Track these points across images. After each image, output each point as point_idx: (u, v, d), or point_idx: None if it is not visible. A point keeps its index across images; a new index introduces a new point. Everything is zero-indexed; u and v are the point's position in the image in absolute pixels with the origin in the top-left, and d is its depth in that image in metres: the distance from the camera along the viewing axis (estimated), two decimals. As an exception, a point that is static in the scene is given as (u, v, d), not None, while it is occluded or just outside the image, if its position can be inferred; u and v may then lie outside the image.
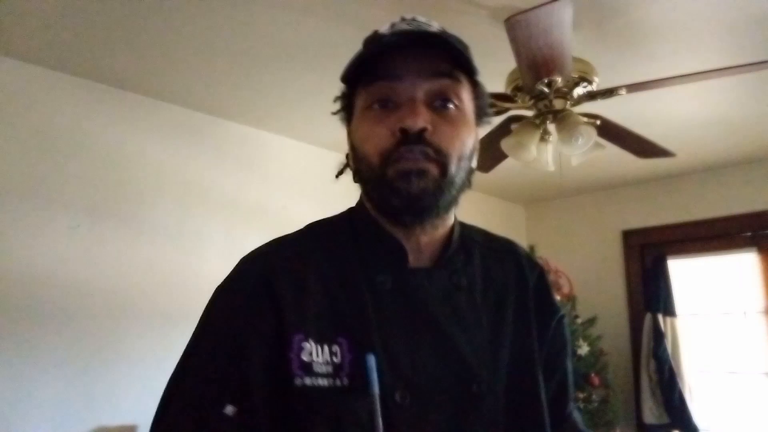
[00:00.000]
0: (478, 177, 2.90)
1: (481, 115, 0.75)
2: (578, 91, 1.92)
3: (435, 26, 0.73)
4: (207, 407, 0.63)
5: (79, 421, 2.10)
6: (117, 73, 2.26)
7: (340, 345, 0.66)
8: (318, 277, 0.70)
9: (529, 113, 1.99)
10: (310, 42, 2.02)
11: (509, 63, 1.74)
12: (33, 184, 2.12)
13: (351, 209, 0.80)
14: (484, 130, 0.80)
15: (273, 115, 2.67)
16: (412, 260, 0.72)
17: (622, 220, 3.81)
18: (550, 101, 1.89)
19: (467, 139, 0.71)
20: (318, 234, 0.78)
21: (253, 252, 0.75)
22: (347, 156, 0.77)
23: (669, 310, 3.49)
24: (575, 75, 1.87)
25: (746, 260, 3.37)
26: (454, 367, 0.68)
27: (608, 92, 1.90)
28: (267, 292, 0.68)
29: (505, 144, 2.03)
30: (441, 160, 0.67)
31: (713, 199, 3.47)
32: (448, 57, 0.69)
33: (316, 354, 0.65)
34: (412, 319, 0.69)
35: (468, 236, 0.79)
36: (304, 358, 0.65)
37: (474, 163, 0.75)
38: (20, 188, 2.09)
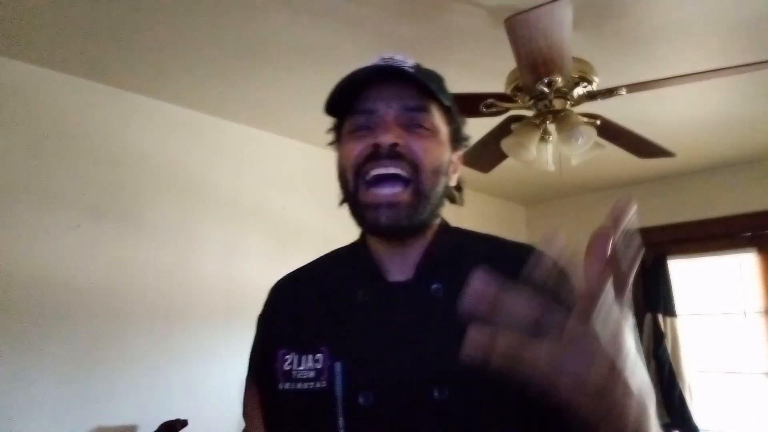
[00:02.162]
0: (478, 177, 2.90)
1: (457, 140, 0.83)
2: (578, 91, 1.92)
3: (410, 63, 0.79)
4: (245, 386, 0.88)
5: (79, 421, 2.10)
6: (117, 73, 2.26)
7: (322, 353, 0.75)
8: (309, 296, 0.84)
9: (529, 113, 1.99)
10: (310, 42, 2.02)
11: (509, 63, 1.74)
12: (33, 184, 2.12)
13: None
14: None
15: (273, 115, 2.67)
16: (395, 273, 0.79)
17: (622, 220, 3.81)
18: (550, 101, 1.89)
19: (441, 155, 0.78)
20: (326, 257, 0.91)
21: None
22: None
23: (669, 310, 3.49)
24: (575, 75, 1.87)
25: (746, 260, 3.37)
26: (418, 372, 0.70)
27: (608, 92, 1.90)
28: (268, 312, 0.89)
29: (505, 144, 2.03)
30: (414, 172, 0.74)
31: (713, 199, 3.47)
32: (418, 90, 0.77)
33: (297, 363, 0.77)
34: (385, 329, 0.75)
35: (464, 245, 0.82)
36: (285, 367, 0.78)
37: (453, 182, 0.82)
38: (20, 188, 2.09)
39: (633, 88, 1.88)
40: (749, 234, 3.37)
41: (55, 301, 2.11)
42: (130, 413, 2.22)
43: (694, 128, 2.81)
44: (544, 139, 2.00)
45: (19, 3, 1.78)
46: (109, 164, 2.32)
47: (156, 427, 2.16)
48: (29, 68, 2.15)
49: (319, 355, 0.75)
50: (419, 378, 0.70)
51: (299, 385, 0.75)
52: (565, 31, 1.54)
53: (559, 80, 1.77)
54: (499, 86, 1.96)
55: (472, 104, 1.93)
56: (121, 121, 2.38)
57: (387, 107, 0.77)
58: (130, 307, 2.29)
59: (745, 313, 3.36)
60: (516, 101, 1.95)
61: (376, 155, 0.75)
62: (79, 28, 1.93)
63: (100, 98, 2.33)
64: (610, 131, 2.10)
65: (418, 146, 0.75)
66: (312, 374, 0.75)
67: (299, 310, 0.83)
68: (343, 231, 3.35)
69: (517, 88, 1.91)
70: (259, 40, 2.01)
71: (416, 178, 0.74)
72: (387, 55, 0.81)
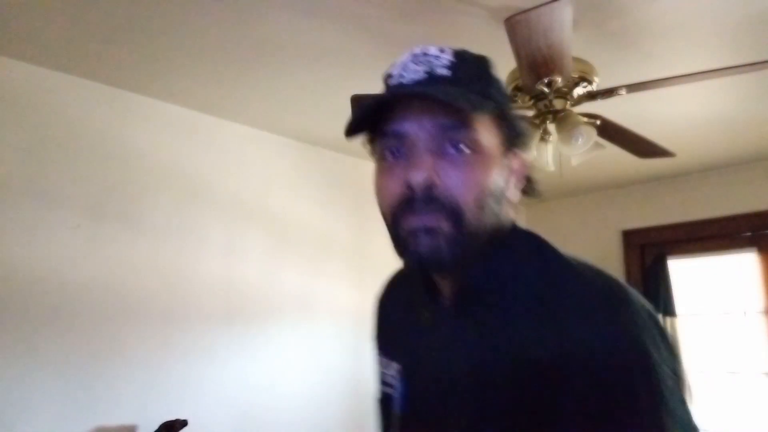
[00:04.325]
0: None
1: (511, 142, 0.72)
2: (578, 91, 1.92)
3: (445, 59, 0.69)
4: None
5: (79, 421, 2.10)
6: (117, 73, 2.26)
7: (398, 371, 0.79)
8: (393, 309, 0.88)
9: (529, 113, 1.99)
10: (310, 42, 2.02)
11: (509, 63, 1.74)
12: (33, 184, 2.12)
13: None
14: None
15: (273, 115, 2.67)
16: (446, 297, 0.74)
17: (622, 220, 3.81)
18: (550, 101, 1.89)
19: (486, 179, 0.67)
20: (402, 271, 0.91)
21: None
22: None
23: (669, 310, 3.49)
24: (575, 75, 1.87)
25: (746, 260, 3.37)
26: (444, 418, 0.71)
27: (608, 92, 1.90)
28: (374, 317, 0.93)
29: (505, 144, 2.03)
30: (453, 212, 0.65)
31: (713, 199, 3.47)
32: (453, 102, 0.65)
33: (387, 368, 0.82)
34: (429, 358, 0.74)
35: (519, 273, 0.70)
36: (381, 369, 0.83)
37: (513, 192, 0.74)
38: (20, 188, 2.09)
39: (633, 88, 1.88)
40: (749, 234, 3.37)
41: (54, 300, 2.11)
42: (130, 413, 2.22)
43: (694, 128, 2.81)
44: (544, 139, 2.00)
45: (19, 3, 1.78)
46: (109, 164, 2.32)
47: (156, 427, 2.16)
48: (29, 68, 2.15)
49: (395, 365, 0.80)
50: (443, 412, 0.71)
51: (386, 389, 0.81)
52: (565, 31, 1.54)
53: (559, 80, 1.77)
54: (499, 86, 1.96)
55: (472, 104, 1.92)
56: (121, 121, 2.38)
57: (418, 128, 0.66)
58: (130, 306, 2.29)
59: (745, 313, 3.36)
60: (516, 101, 1.95)
61: (410, 202, 0.66)
62: (79, 28, 1.93)
63: (100, 98, 2.33)
64: (610, 131, 2.10)
65: (456, 180, 0.65)
66: (394, 381, 0.79)
67: (387, 319, 0.89)
68: (343, 231, 3.37)
69: (517, 88, 1.91)
70: (260, 39, 2.01)
71: (458, 221, 0.66)
72: (418, 51, 0.70)
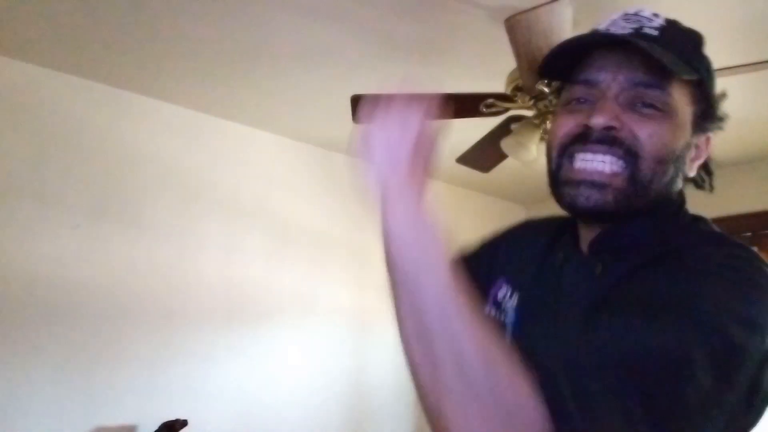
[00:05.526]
0: (478, 177, 2.88)
1: (706, 120, 0.69)
2: (578, 91, 1.91)
3: (656, 23, 0.68)
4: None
5: (79, 421, 2.10)
6: (117, 74, 2.26)
7: (515, 295, 0.75)
8: (531, 243, 0.80)
9: (529, 113, 1.99)
10: (310, 42, 2.02)
11: (509, 63, 1.74)
12: (33, 184, 2.12)
13: None
14: (717, 138, 0.72)
15: (273, 115, 2.67)
16: (585, 245, 0.71)
17: (622, 220, 3.81)
18: (550, 101, 1.89)
19: (672, 141, 0.64)
20: (551, 216, 0.84)
21: None
22: None
23: (669, 310, 3.48)
24: (575, 75, 1.86)
25: (746, 260, 3.37)
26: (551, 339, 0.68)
27: (608, 92, 1.90)
28: (508, 237, 0.85)
29: (505, 144, 2.03)
30: (630, 156, 0.63)
31: (713, 199, 3.45)
32: (655, 62, 0.63)
33: (504, 294, 0.76)
34: (547, 299, 0.71)
35: (665, 241, 0.68)
36: (500, 296, 0.76)
37: (693, 171, 0.71)
38: (20, 188, 2.09)
39: (633, 88, 1.88)
40: (749, 234, 3.37)
41: (55, 300, 2.11)
42: (130, 413, 2.22)
43: (694, 128, 2.80)
44: (544, 139, 2.00)
45: (19, 3, 1.78)
46: (109, 164, 2.32)
47: (156, 427, 2.16)
48: (29, 68, 2.15)
49: (516, 295, 0.75)
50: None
51: (500, 316, 0.75)
52: (565, 31, 1.54)
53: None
54: (499, 86, 1.96)
55: (472, 104, 1.93)
56: (122, 121, 2.38)
57: (612, 79, 0.65)
58: (130, 306, 2.29)
59: (745, 313, 3.36)
60: (516, 101, 1.95)
61: (585, 136, 0.64)
62: (80, 29, 1.93)
63: (100, 98, 2.33)
64: (610, 131, 2.10)
65: (641, 130, 0.63)
66: (508, 307, 0.75)
67: (517, 252, 0.81)
68: (344, 231, 3.37)
69: (517, 88, 1.91)
70: (260, 40, 2.01)
71: (634, 165, 0.63)
72: (632, 10, 0.69)
